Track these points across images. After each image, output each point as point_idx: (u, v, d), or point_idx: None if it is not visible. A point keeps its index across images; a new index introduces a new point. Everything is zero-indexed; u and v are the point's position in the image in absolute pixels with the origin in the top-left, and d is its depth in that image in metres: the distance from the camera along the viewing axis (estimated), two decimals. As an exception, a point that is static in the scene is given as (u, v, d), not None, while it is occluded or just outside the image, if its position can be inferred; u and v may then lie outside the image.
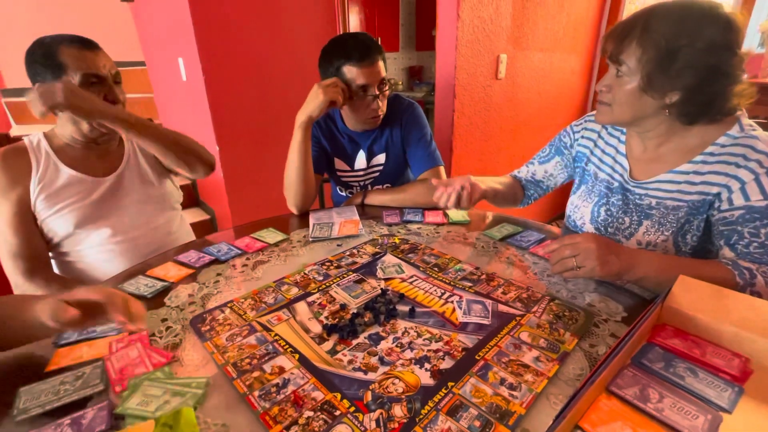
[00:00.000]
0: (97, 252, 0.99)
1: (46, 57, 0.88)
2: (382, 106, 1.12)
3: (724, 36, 0.63)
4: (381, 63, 1.08)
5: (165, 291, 0.75)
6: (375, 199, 1.19)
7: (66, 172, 0.96)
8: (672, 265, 0.66)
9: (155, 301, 0.72)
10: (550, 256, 0.69)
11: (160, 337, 0.62)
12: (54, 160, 0.96)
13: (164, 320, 0.66)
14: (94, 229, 0.99)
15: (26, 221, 0.92)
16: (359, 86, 1.06)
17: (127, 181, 1.05)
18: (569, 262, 0.65)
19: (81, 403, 0.49)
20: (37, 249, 0.94)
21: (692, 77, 0.65)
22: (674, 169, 0.77)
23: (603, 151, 0.91)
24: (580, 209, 0.96)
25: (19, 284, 0.91)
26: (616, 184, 0.87)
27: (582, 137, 0.96)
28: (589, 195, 0.94)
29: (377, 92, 1.08)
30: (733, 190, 0.69)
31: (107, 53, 0.97)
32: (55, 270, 1.01)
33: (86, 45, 0.91)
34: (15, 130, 2.81)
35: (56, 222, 0.95)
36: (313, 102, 1.03)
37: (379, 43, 1.11)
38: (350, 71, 1.05)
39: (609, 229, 0.88)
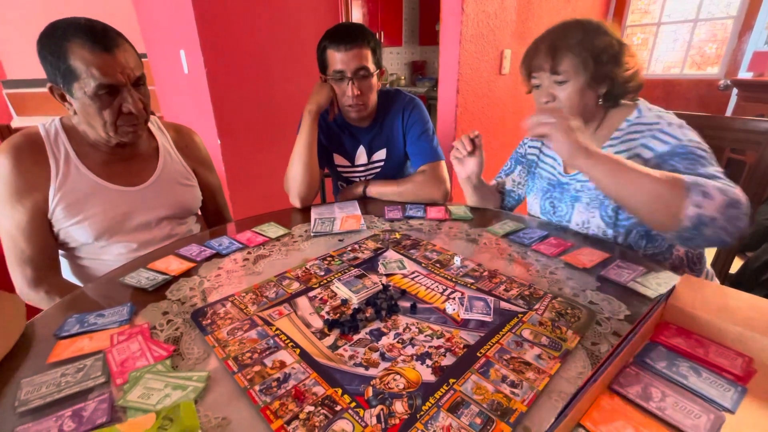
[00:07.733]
0: (116, 262, 0.90)
1: (55, 56, 0.78)
2: (360, 94, 1.10)
3: (612, 34, 0.83)
4: (364, 51, 1.07)
5: (166, 284, 0.75)
6: (376, 189, 1.18)
7: (89, 179, 0.88)
8: (622, 162, 0.72)
9: (156, 294, 0.72)
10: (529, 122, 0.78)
11: (161, 331, 0.62)
12: (75, 163, 0.88)
13: (165, 313, 0.66)
14: (115, 242, 0.93)
15: (41, 228, 0.86)
16: (335, 71, 1.08)
17: (158, 193, 0.98)
18: (544, 119, 0.75)
19: (82, 396, 0.49)
20: (48, 256, 0.87)
21: (613, 66, 0.83)
22: None
23: (546, 155, 1.06)
24: (533, 206, 1.10)
25: (24, 292, 0.85)
26: (554, 180, 1.01)
27: (530, 146, 1.11)
28: (537, 192, 1.07)
29: (350, 76, 1.08)
30: (644, 154, 0.82)
31: (129, 44, 0.84)
32: (66, 268, 0.96)
33: (102, 45, 0.78)
34: (16, 122, 2.81)
35: (75, 231, 0.88)
36: (320, 92, 1.10)
37: (381, 36, 1.12)
38: (331, 54, 1.08)
39: (554, 217, 1.01)
